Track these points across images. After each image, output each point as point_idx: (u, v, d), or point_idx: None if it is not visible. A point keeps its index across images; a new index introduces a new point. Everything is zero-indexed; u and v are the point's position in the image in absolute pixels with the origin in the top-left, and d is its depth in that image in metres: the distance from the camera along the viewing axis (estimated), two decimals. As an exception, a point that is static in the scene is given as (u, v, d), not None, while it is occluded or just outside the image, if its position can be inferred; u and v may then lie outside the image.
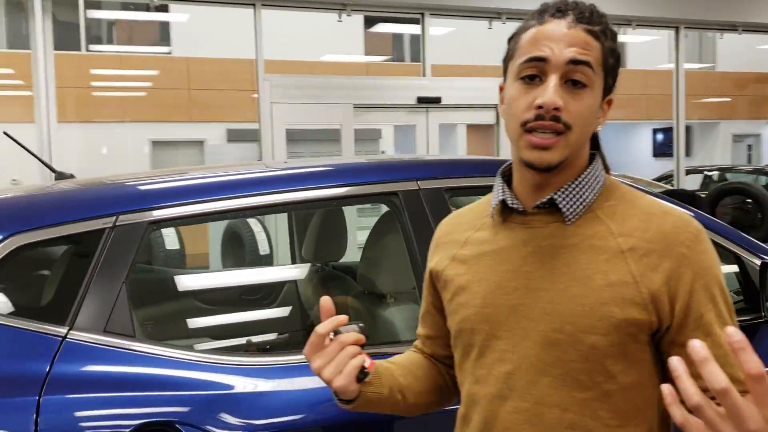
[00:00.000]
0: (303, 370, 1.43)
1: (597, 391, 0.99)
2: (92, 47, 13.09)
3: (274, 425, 1.46)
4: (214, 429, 1.41)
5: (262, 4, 6.14)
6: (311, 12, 6.43)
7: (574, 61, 0.97)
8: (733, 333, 0.73)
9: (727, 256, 2.03)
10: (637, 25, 7.47)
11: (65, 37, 12.49)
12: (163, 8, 12.44)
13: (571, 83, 0.98)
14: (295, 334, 2.28)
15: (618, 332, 0.97)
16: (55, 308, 1.46)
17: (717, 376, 0.72)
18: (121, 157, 12.30)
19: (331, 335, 1.04)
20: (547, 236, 1.03)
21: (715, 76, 17.23)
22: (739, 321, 1.91)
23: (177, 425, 1.40)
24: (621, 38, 16.64)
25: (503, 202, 1.07)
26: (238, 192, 1.65)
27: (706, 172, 11.26)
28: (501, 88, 1.09)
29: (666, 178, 10.58)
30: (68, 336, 1.42)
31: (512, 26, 1.05)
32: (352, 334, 1.05)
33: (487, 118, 6.86)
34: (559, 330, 0.99)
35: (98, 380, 1.42)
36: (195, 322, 1.79)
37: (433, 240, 1.20)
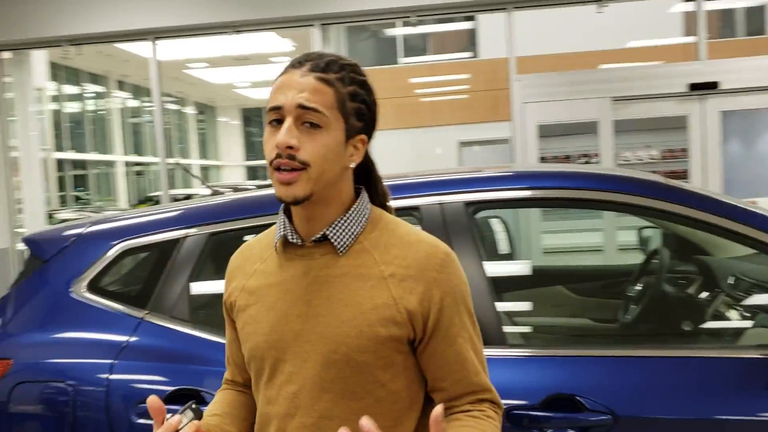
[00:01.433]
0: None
1: (370, 399, 1.13)
2: (402, 60, 14.51)
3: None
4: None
5: (514, 7, 6.28)
6: (563, 8, 6.33)
7: (302, 107, 1.09)
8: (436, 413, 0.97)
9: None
10: None
11: (384, 53, 14.10)
12: (469, 17, 13.19)
13: (309, 125, 1.10)
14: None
15: (384, 348, 1.12)
16: (140, 297, 1.99)
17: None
18: (437, 158, 13.40)
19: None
20: (323, 266, 1.16)
21: None
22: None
23: (201, 393, 1.81)
24: None
25: (285, 237, 1.20)
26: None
27: None
28: None
29: None
30: (145, 318, 1.93)
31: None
32: (190, 426, 1.10)
33: (780, 100, 5.92)
34: (335, 351, 1.12)
35: (158, 352, 1.89)
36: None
37: (226, 272, 1.29)
